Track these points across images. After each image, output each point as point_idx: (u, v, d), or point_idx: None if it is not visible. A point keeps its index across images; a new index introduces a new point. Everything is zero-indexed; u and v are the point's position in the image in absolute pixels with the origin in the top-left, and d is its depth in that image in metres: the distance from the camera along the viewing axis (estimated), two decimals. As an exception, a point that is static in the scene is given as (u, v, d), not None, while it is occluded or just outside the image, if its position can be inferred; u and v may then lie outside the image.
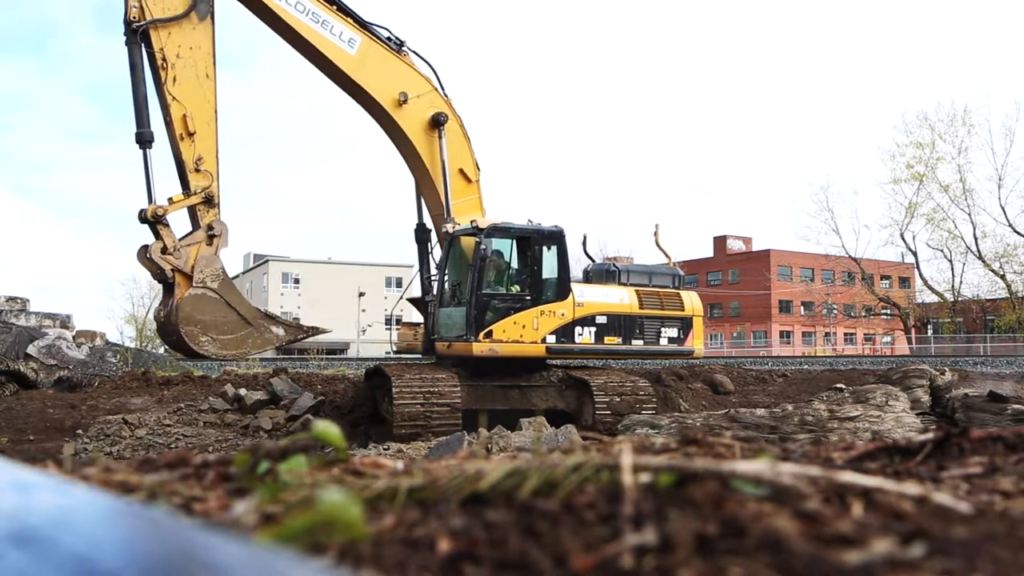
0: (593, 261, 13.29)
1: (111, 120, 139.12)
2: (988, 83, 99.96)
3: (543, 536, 0.82)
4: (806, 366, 24.31)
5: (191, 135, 10.09)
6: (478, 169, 12.53)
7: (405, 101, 11.77)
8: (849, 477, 0.97)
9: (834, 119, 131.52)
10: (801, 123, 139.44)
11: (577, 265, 13.65)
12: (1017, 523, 0.86)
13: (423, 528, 0.85)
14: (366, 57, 11.57)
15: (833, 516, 0.86)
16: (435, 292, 12.23)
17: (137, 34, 9.93)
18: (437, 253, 12.75)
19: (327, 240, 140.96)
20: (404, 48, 12.01)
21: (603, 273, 12.69)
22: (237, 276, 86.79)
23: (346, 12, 11.61)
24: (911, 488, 0.95)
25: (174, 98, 10.07)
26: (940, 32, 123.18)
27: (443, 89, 12.26)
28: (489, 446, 7.67)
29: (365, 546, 0.81)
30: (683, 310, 12.52)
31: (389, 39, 11.91)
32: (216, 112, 10.37)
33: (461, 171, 12.32)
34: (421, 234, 13.05)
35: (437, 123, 11.97)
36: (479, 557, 0.77)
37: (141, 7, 9.93)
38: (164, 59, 10.07)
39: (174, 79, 10.10)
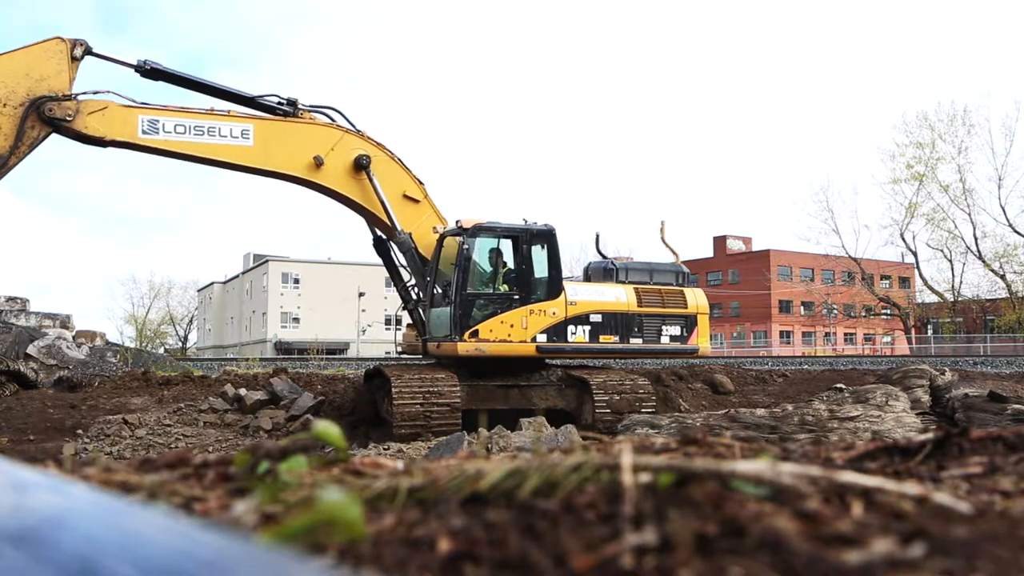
0: (605, 259, 13.15)
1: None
2: (988, 83, 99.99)
3: (543, 536, 0.82)
4: (806, 366, 24.30)
5: None
6: (421, 185, 11.89)
7: (321, 163, 11.02)
8: (849, 477, 0.97)
9: (834, 119, 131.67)
10: (801, 123, 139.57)
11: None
12: (1017, 523, 0.86)
13: (423, 528, 0.85)
14: (265, 141, 10.79)
15: (833, 516, 0.86)
16: (422, 296, 12.07)
17: None
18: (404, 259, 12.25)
19: (327, 240, 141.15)
20: (299, 107, 11.27)
21: (601, 271, 12.50)
22: (237, 276, 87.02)
23: (227, 96, 10.98)
24: (911, 488, 0.95)
25: None
26: (940, 32, 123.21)
27: (353, 126, 11.51)
28: (489, 446, 7.66)
29: (365, 546, 0.81)
30: (686, 308, 12.23)
31: (280, 104, 11.20)
32: None
33: (405, 196, 11.72)
34: (380, 247, 12.49)
35: (361, 166, 11.29)
36: (479, 557, 0.77)
37: None
38: None
39: None
